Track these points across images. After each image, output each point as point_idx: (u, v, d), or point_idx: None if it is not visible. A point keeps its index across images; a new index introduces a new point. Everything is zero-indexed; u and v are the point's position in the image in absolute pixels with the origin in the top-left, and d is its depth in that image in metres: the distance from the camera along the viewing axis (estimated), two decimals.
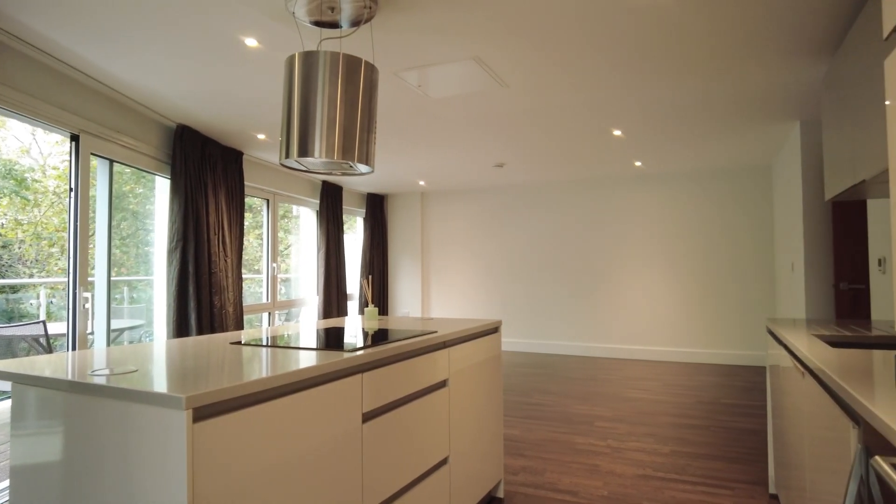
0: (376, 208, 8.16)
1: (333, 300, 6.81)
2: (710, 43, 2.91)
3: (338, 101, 2.20)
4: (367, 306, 2.79)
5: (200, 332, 4.39)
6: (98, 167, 3.78)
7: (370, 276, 3.97)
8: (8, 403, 1.53)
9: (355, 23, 2.50)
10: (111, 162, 3.84)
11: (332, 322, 2.77)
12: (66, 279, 3.41)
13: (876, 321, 2.66)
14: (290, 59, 2.25)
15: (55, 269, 5.82)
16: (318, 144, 2.18)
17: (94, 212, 3.72)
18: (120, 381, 1.28)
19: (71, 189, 3.43)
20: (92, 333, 3.57)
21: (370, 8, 2.39)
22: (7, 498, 1.46)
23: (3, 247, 5.67)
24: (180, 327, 4.31)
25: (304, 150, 2.19)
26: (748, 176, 6.50)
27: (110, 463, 1.25)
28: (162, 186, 4.55)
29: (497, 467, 2.76)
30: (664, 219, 6.90)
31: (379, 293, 8.09)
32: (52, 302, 5.14)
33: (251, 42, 2.86)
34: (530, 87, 3.59)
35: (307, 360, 1.57)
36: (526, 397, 4.89)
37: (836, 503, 1.32)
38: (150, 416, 1.19)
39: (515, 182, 7.47)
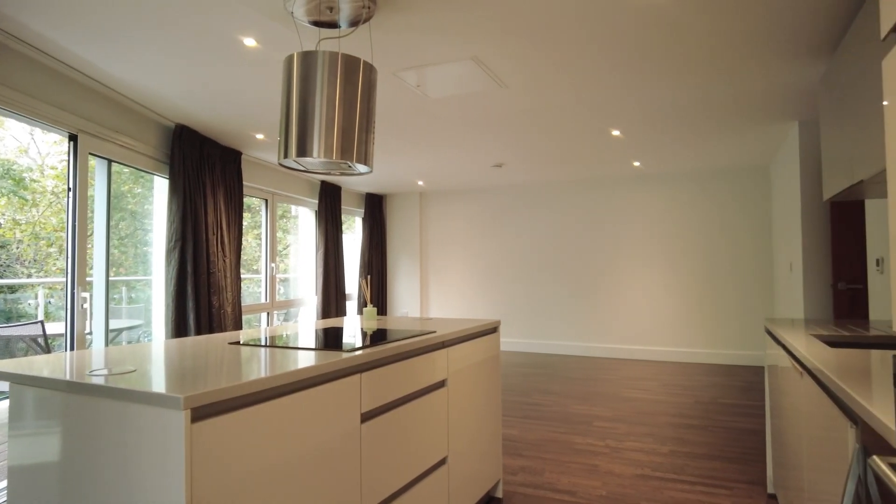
0: (375, 208, 8.16)
1: (332, 300, 6.81)
2: (709, 43, 2.91)
3: (336, 101, 2.20)
4: (365, 306, 2.79)
5: (199, 332, 4.39)
6: (96, 167, 3.78)
7: (369, 276, 3.97)
8: (6, 404, 1.53)
9: (354, 23, 2.50)
10: (109, 162, 3.83)
11: (331, 322, 2.77)
12: (64, 279, 3.40)
13: (874, 321, 2.66)
14: (289, 59, 2.25)
15: (53, 269, 5.81)
16: (316, 144, 2.18)
17: (92, 212, 3.71)
18: (118, 382, 1.28)
19: (69, 189, 3.43)
20: (90, 333, 3.56)
21: (369, 8, 2.39)
22: (5, 498, 1.45)
23: (2, 247, 5.66)
24: (179, 327, 4.31)
25: (303, 150, 2.19)
26: (747, 176, 6.51)
27: (108, 463, 1.25)
28: (160, 186, 4.55)
29: (496, 467, 2.77)
30: (663, 219, 6.90)
31: (378, 293, 8.09)
32: (50, 302, 5.14)
33: (250, 42, 2.85)
34: (529, 87, 3.59)
35: (306, 360, 1.57)
36: (525, 397, 4.89)
37: (834, 503, 1.32)
38: (148, 417, 1.19)
39: (514, 182, 7.47)
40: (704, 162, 6.15)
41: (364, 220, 7.98)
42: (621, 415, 4.29)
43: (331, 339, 2.06)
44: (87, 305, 3.43)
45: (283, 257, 7.38)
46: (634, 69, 3.28)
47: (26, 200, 5.84)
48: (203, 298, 4.45)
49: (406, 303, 8.26)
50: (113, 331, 4.24)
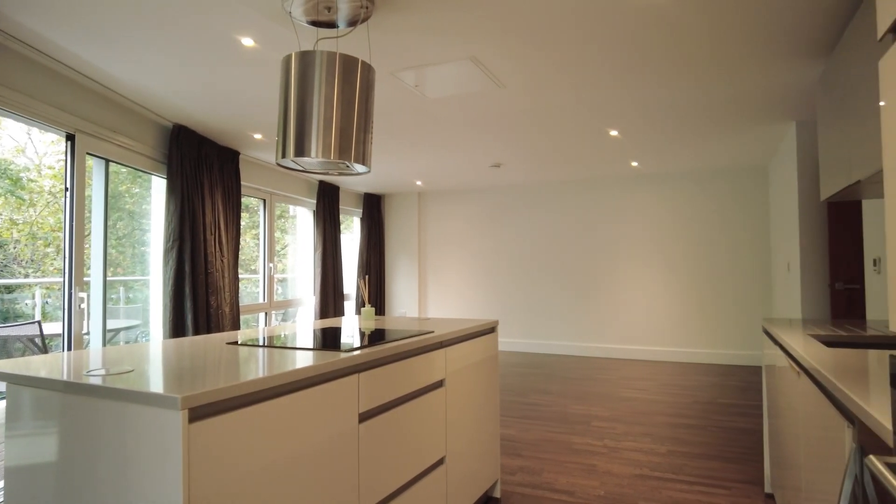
0: (373, 208, 8.15)
1: (330, 300, 6.80)
2: (708, 43, 2.92)
3: (334, 100, 2.20)
4: (363, 306, 2.79)
5: (197, 332, 4.38)
6: (94, 167, 3.77)
7: (367, 277, 3.97)
8: (3, 404, 1.52)
9: (352, 23, 2.50)
10: (107, 161, 3.82)
11: (329, 322, 2.77)
12: (61, 279, 3.40)
13: (871, 321, 2.67)
14: (287, 59, 2.25)
15: (51, 269, 5.80)
16: (314, 144, 2.18)
17: (89, 211, 3.70)
18: (116, 382, 1.28)
19: (66, 189, 3.42)
20: (88, 334, 3.56)
21: (367, 8, 2.39)
22: (2, 499, 1.45)
23: None
24: (177, 327, 4.30)
25: (301, 150, 2.19)
26: (745, 176, 6.52)
27: (106, 464, 1.24)
28: (158, 186, 4.54)
29: (494, 467, 2.77)
30: (661, 219, 6.91)
31: (376, 293, 8.08)
32: (47, 302, 5.12)
33: (248, 42, 2.85)
34: (528, 88, 3.59)
35: (304, 360, 1.57)
36: (523, 397, 4.89)
37: (832, 502, 1.32)
38: (145, 417, 1.19)
39: (513, 182, 7.47)
40: (702, 162, 6.16)
41: (362, 220, 7.98)
42: (619, 415, 4.30)
43: (329, 340, 2.06)
44: (84, 305, 3.43)
45: (281, 257, 7.38)
46: (633, 69, 3.28)
47: (23, 200, 5.83)
48: (201, 298, 4.45)
49: (404, 303, 8.26)
50: (110, 331, 4.23)
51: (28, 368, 1.46)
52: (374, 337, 2.10)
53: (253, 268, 6.22)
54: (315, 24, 2.49)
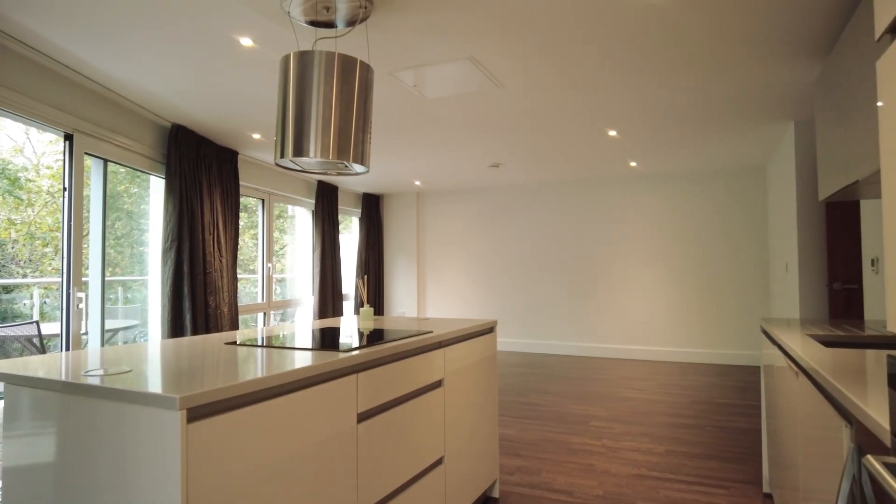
0: (372, 208, 8.15)
1: (329, 300, 6.80)
2: (706, 43, 2.92)
3: (333, 100, 2.20)
4: (362, 306, 2.79)
5: (195, 332, 4.38)
6: (92, 167, 3.77)
7: (366, 277, 3.97)
8: (1, 404, 1.52)
9: (351, 22, 2.50)
10: (105, 161, 3.82)
11: (328, 322, 2.77)
12: (59, 279, 3.39)
13: (869, 321, 2.67)
14: (286, 59, 2.25)
15: (49, 269, 5.79)
16: (313, 144, 2.18)
17: (88, 211, 3.70)
18: (114, 382, 1.28)
19: (65, 189, 3.41)
20: (86, 334, 3.55)
21: (365, 8, 2.39)
22: (0, 500, 1.45)
23: None
24: (175, 327, 4.30)
25: (300, 150, 2.19)
26: (743, 176, 6.53)
27: (104, 464, 1.24)
28: (157, 186, 4.53)
29: (492, 467, 2.77)
30: (660, 219, 6.92)
31: (374, 293, 8.08)
32: (45, 302, 5.11)
33: (246, 41, 2.85)
34: (527, 88, 3.59)
35: (302, 360, 1.57)
36: (522, 397, 4.89)
37: (829, 502, 1.33)
38: (144, 417, 1.18)
39: (512, 182, 7.47)
40: (701, 162, 6.17)
41: (361, 220, 7.98)
42: (618, 415, 4.30)
43: (327, 340, 2.05)
44: (82, 305, 3.42)
45: (279, 257, 7.37)
46: (632, 69, 3.29)
47: (21, 200, 5.82)
48: (199, 298, 4.44)
49: (403, 303, 8.26)
50: (109, 331, 4.22)
51: (26, 369, 1.45)
52: (373, 337, 2.10)
53: (251, 268, 6.22)
54: (314, 23, 2.49)
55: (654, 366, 6.40)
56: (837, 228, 4.23)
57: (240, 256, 5.24)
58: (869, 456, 0.90)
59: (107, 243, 3.86)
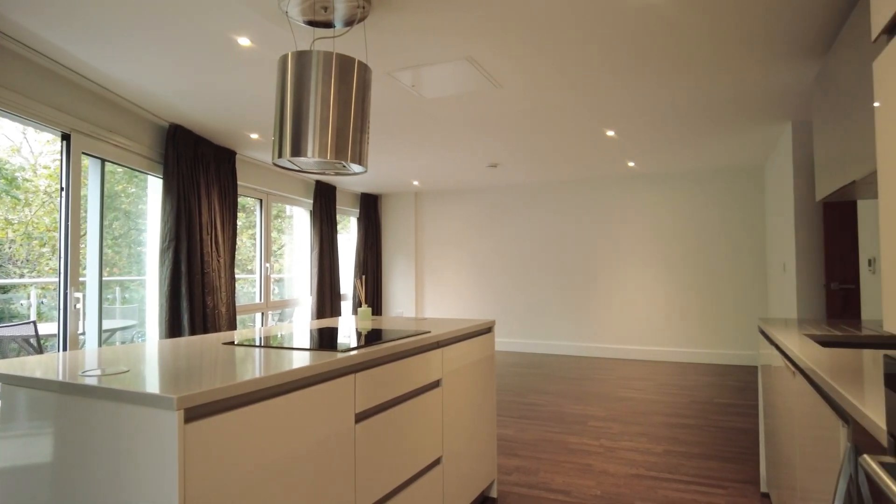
0: (370, 208, 8.15)
1: (327, 300, 6.80)
2: (705, 44, 2.92)
3: (331, 100, 2.20)
4: (360, 306, 2.79)
5: (193, 332, 4.37)
6: (90, 166, 3.76)
7: (364, 277, 3.97)
8: None
9: (349, 22, 2.50)
10: (103, 161, 3.81)
11: (326, 322, 2.77)
12: (57, 279, 3.38)
13: (866, 321, 2.68)
14: (283, 59, 2.24)
15: (46, 269, 5.78)
16: (311, 144, 2.18)
17: (85, 211, 3.69)
18: (111, 382, 1.27)
19: (62, 188, 3.41)
20: (83, 334, 3.54)
21: (363, 8, 2.39)
22: None
23: None
24: (173, 327, 4.29)
25: (297, 150, 2.19)
26: (741, 176, 6.54)
27: (101, 464, 1.24)
28: (154, 186, 4.53)
29: (491, 467, 2.77)
30: (658, 219, 6.93)
31: (372, 293, 8.08)
32: (42, 302, 5.10)
33: (244, 41, 2.85)
34: (525, 88, 3.59)
35: (300, 360, 1.57)
36: (520, 397, 4.89)
37: (826, 501, 1.33)
38: (141, 417, 1.18)
39: (510, 182, 7.48)
40: (699, 162, 6.18)
41: (359, 220, 7.97)
42: (616, 414, 4.30)
43: (325, 340, 2.05)
44: (80, 306, 3.41)
45: (277, 257, 7.36)
46: (630, 69, 3.29)
47: (19, 200, 5.81)
48: (197, 298, 4.44)
49: (401, 303, 8.26)
50: (106, 331, 4.21)
51: (23, 369, 1.45)
52: (371, 337, 2.10)
53: (249, 268, 6.21)
54: (312, 23, 2.49)
55: (653, 366, 6.41)
56: (835, 229, 4.24)
57: (238, 256, 5.23)
58: (866, 455, 0.90)
59: (104, 243, 3.85)
